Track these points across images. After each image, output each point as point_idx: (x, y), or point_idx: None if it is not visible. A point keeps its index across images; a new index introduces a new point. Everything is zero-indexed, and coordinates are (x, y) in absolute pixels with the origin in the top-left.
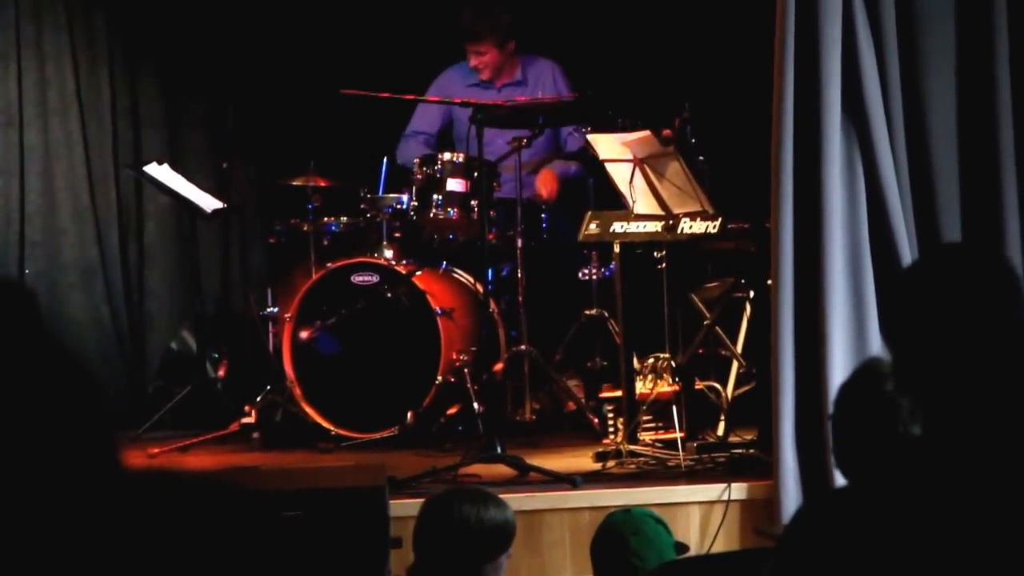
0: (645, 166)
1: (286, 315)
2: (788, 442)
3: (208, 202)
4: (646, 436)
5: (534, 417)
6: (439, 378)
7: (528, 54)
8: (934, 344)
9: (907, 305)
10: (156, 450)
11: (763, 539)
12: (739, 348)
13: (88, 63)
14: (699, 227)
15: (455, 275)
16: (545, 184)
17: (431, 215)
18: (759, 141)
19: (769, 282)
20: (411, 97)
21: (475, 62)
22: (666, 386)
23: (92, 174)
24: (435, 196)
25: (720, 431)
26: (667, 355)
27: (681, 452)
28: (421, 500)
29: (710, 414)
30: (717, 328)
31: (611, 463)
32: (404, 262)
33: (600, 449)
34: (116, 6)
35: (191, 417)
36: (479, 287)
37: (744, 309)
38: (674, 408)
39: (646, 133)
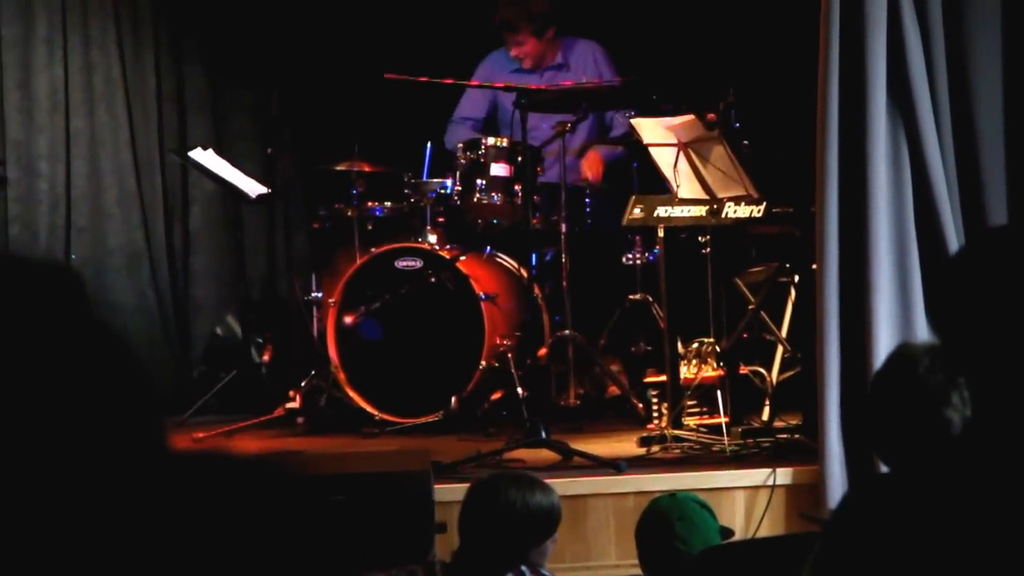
0: (689, 150)
1: (330, 300)
2: (833, 427)
3: (253, 187)
4: (690, 421)
5: (578, 402)
6: (483, 363)
7: (569, 36)
8: (983, 330)
9: (955, 291)
10: (201, 435)
11: (808, 524)
12: (784, 333)
13: (133, 48)
14: (743, 211)
15: (499, 260)
16: (591, 167)
17: (475, 200)
18: (804, 125)
19: (814, 266)
20: (454, 82)
21: (515, 52)
22: (710, 371)
23: (138, 159)
24: (479, 181)
25: (765, 416)
26: (711, 340)
27: (726, 437)
28: (465, 485)
29: (755, 399)
30: (762, 313)
31: (655, 448)
32: (448, 247)
33: (644, 434)
34: None
35: (236, 402)
36: (523, 272)
37: (789, 294)
38: (719, 393)
39: (690, 117)
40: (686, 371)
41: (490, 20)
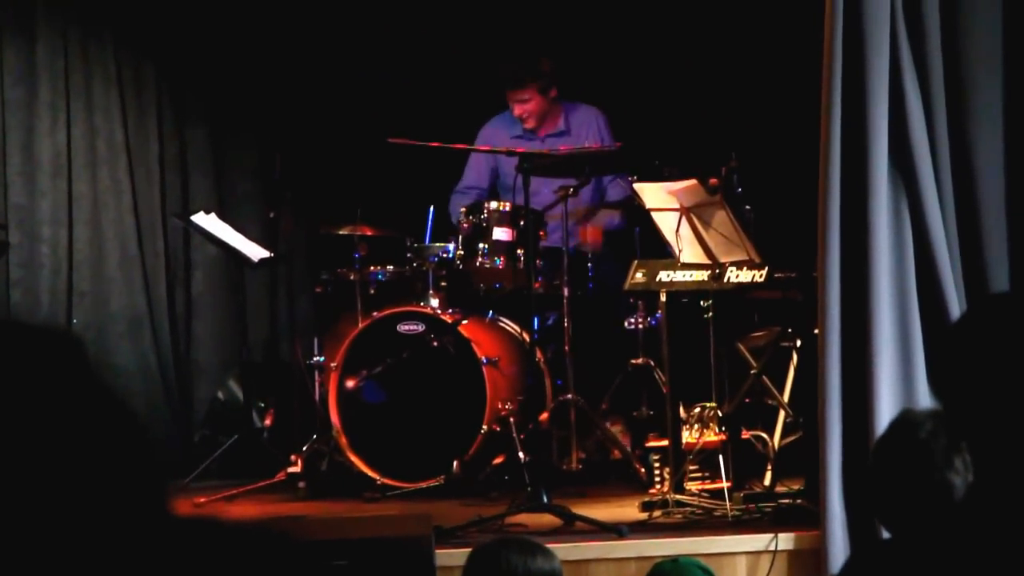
0: (692, 215)
1: (332, 364)
2: (835, 492)
3: (255, 251)
4: (692, 486)
5: (580, 466)
6: (485, 427)
7: (571, 102)
8: (985, 396)
9: (957, 357)
10: (203, 499)
11: None
12: (786, 397)
13: (136, 113)
14: (746, 276)
15: (501, 324)
16: (590, 236)
17: (477, 264)
18: (806, 190)
19: (816, 331)
20: (457, 146)
21: (519, 111)
22: (712, 435)
23: (140, 223)
24: (481, 245)
25: (767, 481)
26: (713, 404)
27: (728, 502)
28: (467, 549)
29: (757, 464)
30: (764, 377)
31: (657, 513)
32: (450, 311)
33: (646, 498)
34: (165, 57)
35: (238, 466)
36: (525, 336)
37: (791, 358)
38: (721, 457)
39: (692, 182)
40: (688, 436)
41: (492, 85)
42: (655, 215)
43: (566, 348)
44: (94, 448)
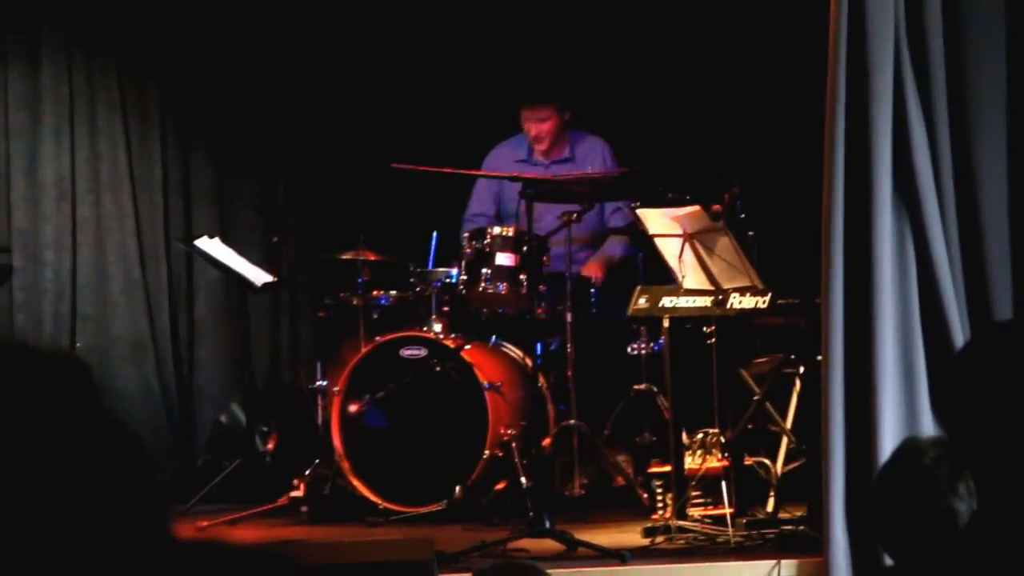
0: (695, 241)
1: (335, 389)
2: (838, 519)
3: (258, 276)
4: (695, 512)
5: (583, 492)
6: (487, 452)
7: (577, 131)
8: (989, 423)
9: (961, 384)
10: (205, 523)
11: None
12: (789, 424)
13: (140, 138)
14: (749, 302)
15: (504, 349)
16: (593, 272)
17: (480, 289)
18: (809, 216)
19: (819, 358)
20: (461, 171)
21: (535, 130)
22: (715, 461)
23: (143, 248)
24: (484, 270)
25: (770, 507)
26: (716, 430)
27: (730, 528)
28: (469, 575)
29: (760, 490)
30: (767, 404)
31: (660, 539)
32: (453, 336)
33: (649, 524)
34: (168, 82)
35: (240, 491)
36: (528, 361)
37: (794, 385)
38: (723, 483)
39: (696, 208)
40: (691, 461)
41: (497, 111)
42: (658, 241)
43: (569, 373)
44: (96, 471)
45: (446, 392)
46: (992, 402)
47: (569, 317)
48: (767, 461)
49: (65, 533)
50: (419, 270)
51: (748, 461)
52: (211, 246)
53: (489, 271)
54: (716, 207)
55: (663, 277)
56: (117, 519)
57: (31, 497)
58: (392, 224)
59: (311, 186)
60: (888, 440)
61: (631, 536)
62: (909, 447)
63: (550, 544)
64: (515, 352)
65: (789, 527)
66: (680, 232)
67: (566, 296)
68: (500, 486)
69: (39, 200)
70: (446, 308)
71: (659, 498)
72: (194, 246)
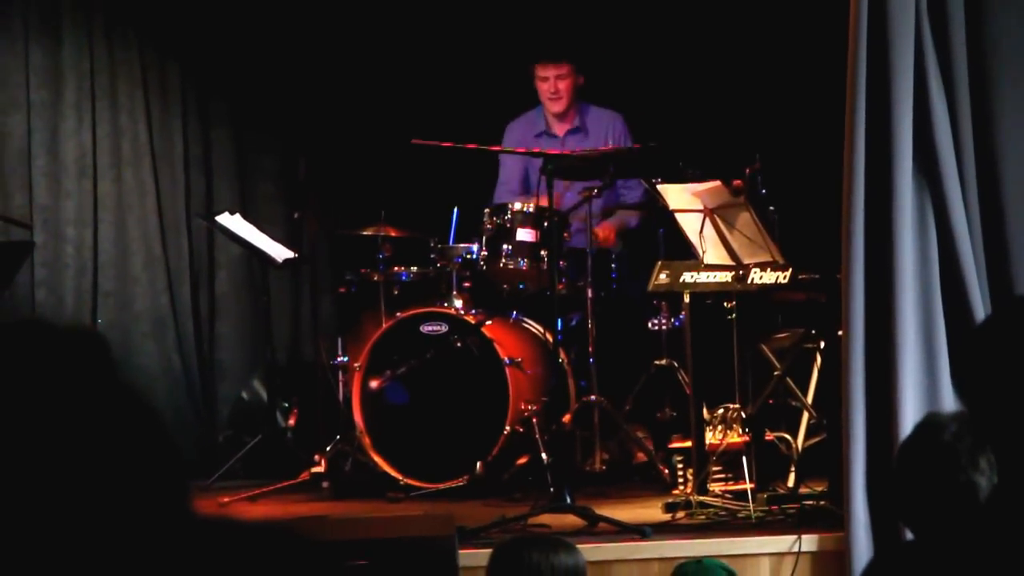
0: (715, 216)
1: (356, 364)
2: (859, 494)
3: (279, 252)
4: (716, 487)
5: (603, 467)
6: (508, 428)
7: (588, 103)
8: (1010, 397)
9: (981, 358)
10: (226, 499)
11: None
12: (810, 399)
13: (161, 114)
14: (769, 277)
15: (525, 325)
16: (603, 232)
17: (501, 265)
18: (830, 191)
19: (840, 333)
20: (480, 147)
21: (550, 87)
22: (736, 437)
23: (164, 224)
24: (505, 246)
25: (790, 482)
26: (737, 405)
27: (751, 503)
28: (490, 550)
29: (780, 465)
30: (787, 379)
31: (681, 514)
32: (473, 312)
33: (670, 500)
34: (189, 58)
35: (261, 466)
36: (549, 337)
37: (815, 360)
38: (744, 459)
39: (716, 183)
40: (711, 437)
41: (514, 85)
42: (679, 216)
43: (590, 349)
44: (117, 447)
45: (467, 368)
46: (1012, 376)
47: (590, 293)
48: (788, 436)
49: (85, 509)
50: (440, 246)
51: (769, 436)
52: (232, 222)
53: (510, 247)
54: (737, 182)
55: (684, 252)
56: (137, 494)
57: (52, 472)
58: (413, 200)
59: (332, 162)
60: (909, 415)
61: (652, 511)
62: (929, 422)
63: (571, 519)
64: (536, 328)
65: (810, 502)
66: (701, 207)
67: (587, 272)
68: (521, 462)
69: (60, 176)
70: (467, 284)
71: (680, 473)
72: (215, 222)
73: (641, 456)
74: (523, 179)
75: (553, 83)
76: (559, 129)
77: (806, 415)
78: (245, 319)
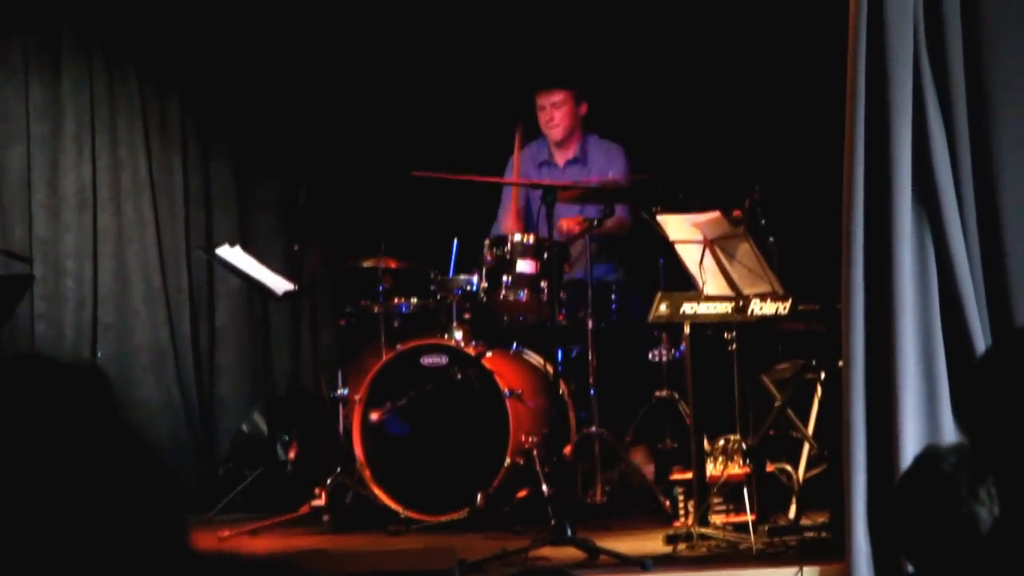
0: (715, 247)
1: (356, 397)
2: (860, 526)
3: (279, 284)
4: (717, 519)
5: (604, 499)
6: (508, 460)
7: (593, 134)
8: (1010, 428)
9: (982, 389)
10: (227, 532)
11: None
12: (810, 430)
13: (161, 146)
14: (770, 308)
15: (525, 356)
16: (566, 222)
17: (501, 296)
18: (829, 222)
19: (840, 364)
20: (480, 179)
21: (548, 116)
22: (737, 468)
23: (164, 256)
24: (505, 278)
25: (792, 514)
26: (738, 437)
27: (752, 535)
28: None
29: (781, 496)
30: (788, 410)
31: (682, 546)
32: (474, 343)
33: (671, 531)
34: (189, 91)
35: (262, 500)
36: (549, 368)
37: (815, 391)
38: (745, 490)
39: (716, 214)
40: (712, 468)
41: (517, 113)
42: (679, 247)
43: (590, 380)
44: (116, 483)
45: (467, 400)
46: (1013, 407)
47: (590, 324)
48: (789, 467)
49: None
50: (440, 278)
51: (770, 467)
52: (232, 254)
53: (510, 278)
54: (736, 213)
55: (684, 283)
56: (135, 530)
57: (50, 508)
58: (413, 232)
59: (332, 194)
60: (910, 446)
61: (653, 543)
62: (929, 453)
63: (572, 552)
64: (536, 359)
65: (811, 534)
66: (701, 238)
67: (587, 303)
68: (522, 494)
69: (60, 209)
70: (467, 316)
71: (681, 505)
72: (215, 254)
73: (648, 472)
74: (523, 207)
75: (549, 111)
76: (560, 158)
77: (807, 446)
78: (245, 352)
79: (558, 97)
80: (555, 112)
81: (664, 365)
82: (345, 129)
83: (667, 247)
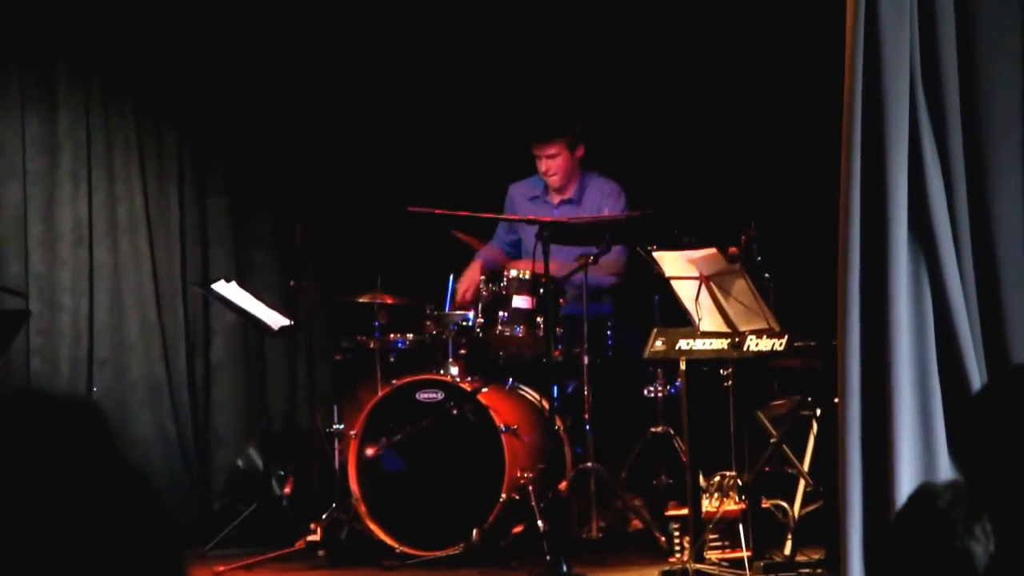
0: (711, 283)
1: (352, 432)
2: (856, 562)
3: (275, 319)
4: (712, 555)
5: (600, 535)
6: (504, 495)
7: (592, 173)
8: (1006, 466)
9: (978, 427)
10: (222, 568)
11: None
12: (806, 466)
13: (157, 181)
14: (765, 344)
15: (521, 392)
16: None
17: (497, 332)
18: (825, 258)
19: (836, 400)
20: (476, 214)
21: (544, 167)
22: (732, 504)
23: (160, 292)
24: (501, 313)
25: (787, 550)
26: (733, 473)
27: (748, 571)
28: None
29: (777, 533)
30: (784, 446)
31: None
32: (469, 379)
33: (666, 568)
34: (185, 126)
35: (257, 535)
36: (545, 404)
37: (811, 427)
38: (741, 526)
39: (712, 250)
40: (708, 504)
41: (513, 153)
42: (675, 283)
43: (586, 416)
44: (112, 518)
45: (463, 435)
46: (1009, 444)
47: (586, 359)
48: (784, 504)
49: None
50: (436, 313)
51: (765, 504)
52: (228, 290)
53: (506, 314)
54: (732, 249)
55: (679, 319)
56: (132, 565)
57: (47, 542)
58: (409, 267)
59: (328, 230)
60: (905, 482)
61: None
62: (924, 490)
63: None
64: (532, 395)
65: (807, 570)
66: (696, 275)
67: (583, 339)
68: (517, 529)
69: (56, 244)
70: (463, 351)
71: (676, 541)
72: (211, 290)
73: (638, 523)
74: (515, 242)
75: (545, 162)
76: (555, 197)
77: (802, 482)
78: (241, 387)
79: (553, 149)
80: (551, 163)
81: (660, 401)
82: (341, 165)
83: (663, 283)
